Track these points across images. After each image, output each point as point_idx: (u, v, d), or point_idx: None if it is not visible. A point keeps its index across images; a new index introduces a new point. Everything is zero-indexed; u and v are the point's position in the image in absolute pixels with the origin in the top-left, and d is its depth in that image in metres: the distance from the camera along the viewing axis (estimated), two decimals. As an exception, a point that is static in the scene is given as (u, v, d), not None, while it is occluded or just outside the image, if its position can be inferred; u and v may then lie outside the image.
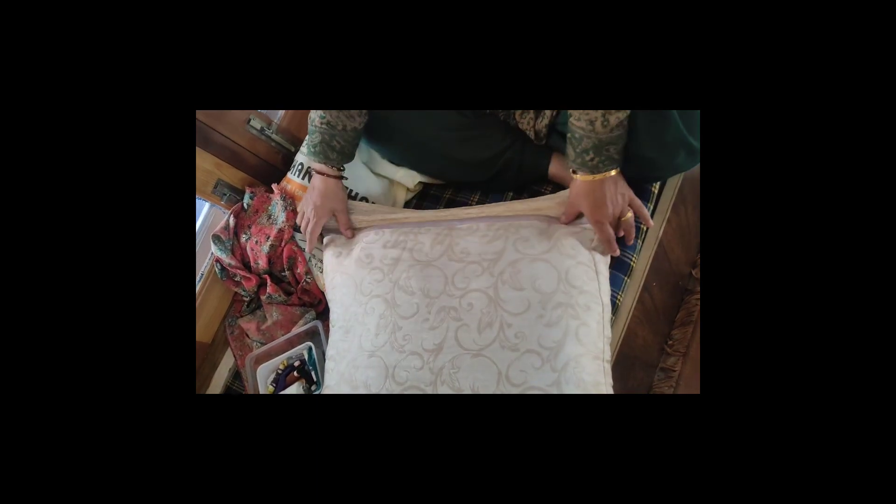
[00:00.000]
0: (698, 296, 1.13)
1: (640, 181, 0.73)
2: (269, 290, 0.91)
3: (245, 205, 0.95)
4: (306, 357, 0.89)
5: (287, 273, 0.91)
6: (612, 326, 0.73)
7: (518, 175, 0.80)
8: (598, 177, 0.63)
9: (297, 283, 0.92)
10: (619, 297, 0.73)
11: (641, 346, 0.90)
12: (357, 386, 0.69)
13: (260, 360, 0.91)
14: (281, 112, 1.00)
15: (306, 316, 0.92)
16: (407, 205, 0.92)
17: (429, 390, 0.63)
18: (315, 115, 0.78)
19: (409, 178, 0.88)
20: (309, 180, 0.89)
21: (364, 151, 0.90)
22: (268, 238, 0.90)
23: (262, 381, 0.89)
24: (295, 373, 0.88)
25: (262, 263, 0.91)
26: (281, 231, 0.89)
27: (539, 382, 0.59)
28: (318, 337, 0.89)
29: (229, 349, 0.98)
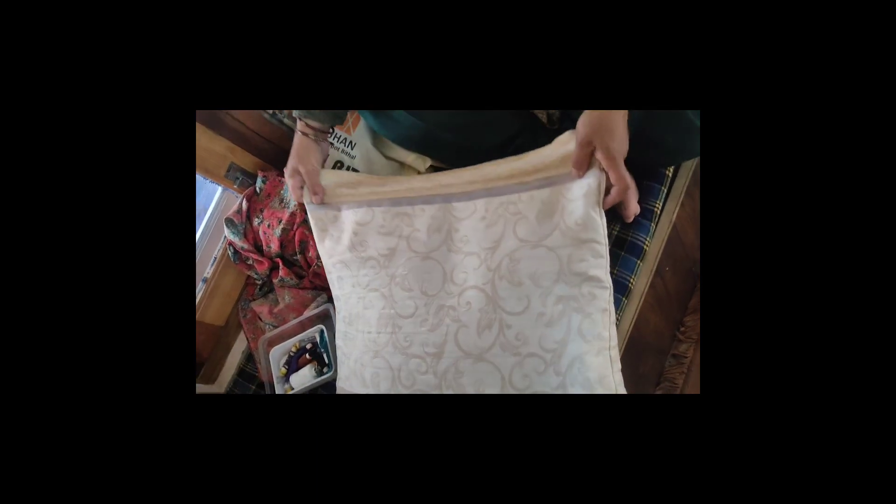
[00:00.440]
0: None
1: (655, 165, 0.72)
2: (281, 273, 0.92)
3: (257, 189, 0.95)
4: (318, 340, 0.90)
5: (299, 256, 0.92)
6: (623, 311, 0.73)
7: None
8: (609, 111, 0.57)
9: (309, 266, 0.92)
10: (631, 280, 0.73)
11: (653, 331, 0.89)
12: (367, 384, 0.70)
13: (272, 342, 0.92)
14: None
15: (318, 299, 0.93)
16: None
17: (435, 392, 0.64)
18: None
19: (421, 162, 0.88)
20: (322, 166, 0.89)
21: (374, 134, 0.90)
22: (280, 222, 0.90)
23: (275, 363, 0.90)
24: (307, 355, 0.89)
25: (275, 247, 0.91)
26: (293, 215, 0.89)
27: (543, 387, 0.58)
28: (329, 320, 0.90)
29: (242, 332, 0.99)
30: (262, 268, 0.94)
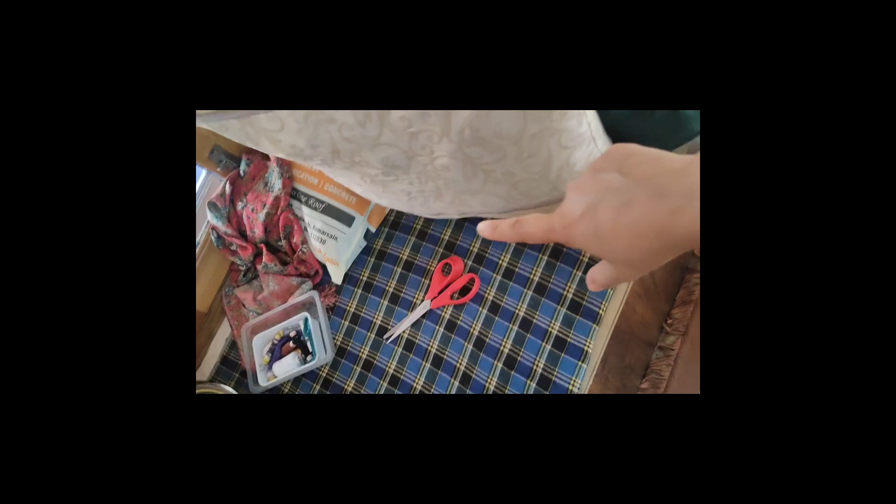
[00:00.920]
0: (699, 274, 1.12)
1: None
2: (265, 259, 0.90)
3: (241, 172, 0.94)
4: (302, 328, 0.89)
5: (283, 242, 0.91)
6: (609, 300, 0.73)
7: None
8: None
9: (294, 252, 0.91)
10: (618, 270, 0.72)
11: (639, 322, 0.89)
12: (385, 203, 0.75)
13: (256, 329, 0.91)
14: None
15: (303, 286, 0.91)
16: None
17: (452, 211, 0.70)
18: None
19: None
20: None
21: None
22: (264, 206, 0.88)
23: (258, 351, 0.89)
24: (290, 343, 0.88)
25: (259, 232, 0.90)
26: (277, 199, 0.88)
27: (541, 195, 0.63)
28: (314, 307, 0.89)
29: (226, 319, 0.98)
30: (246, 253, 0.92)
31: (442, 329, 0.81)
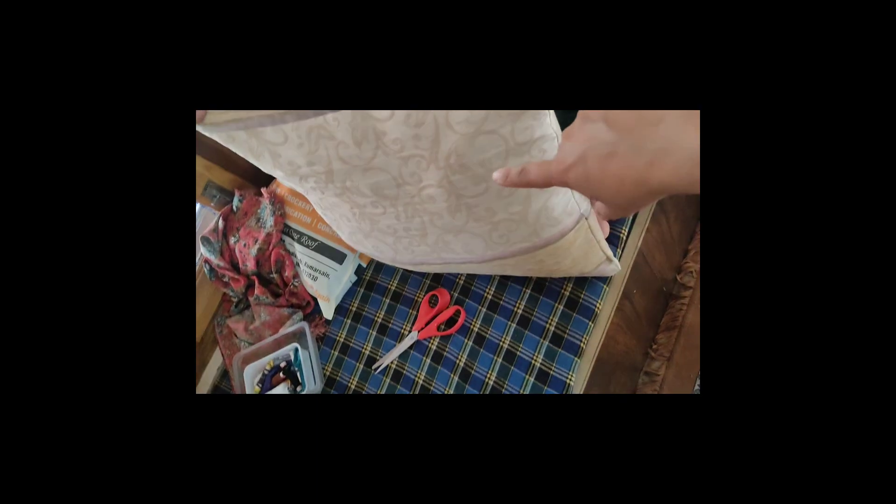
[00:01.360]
0: (683, 300, 1.14)
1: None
2: (257, 291, 0.92)
3: (234, 207, 0.96)
4: (292, 358, 0.90)
5: (275, 276, 0.93)
6: (590, 334, 0.75)
7: None
8: None
9: (286, 285, 0.93)
10: (597, 305, 0.74)
11: (623, 351, 0.91)
12: (373, 253, 0.77)
13: (247, 359, 0.93)
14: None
15: (294, 317, 0.93)
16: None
17: (434, 258, 0.72)
18: None
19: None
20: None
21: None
22: (256, 241, 0.91)
23: (249, 380, 0.91)
24: (281, 374, 0.90)
25: (251, 265, 0.92)
26: (269, 235, 0.90)
27: (521, 240, 0.65)
28: (304, 338, 0.91)
29: (218, 348, 1.00)
30: (238, 285, 0.94)
31: (429, 360, 0.83)
